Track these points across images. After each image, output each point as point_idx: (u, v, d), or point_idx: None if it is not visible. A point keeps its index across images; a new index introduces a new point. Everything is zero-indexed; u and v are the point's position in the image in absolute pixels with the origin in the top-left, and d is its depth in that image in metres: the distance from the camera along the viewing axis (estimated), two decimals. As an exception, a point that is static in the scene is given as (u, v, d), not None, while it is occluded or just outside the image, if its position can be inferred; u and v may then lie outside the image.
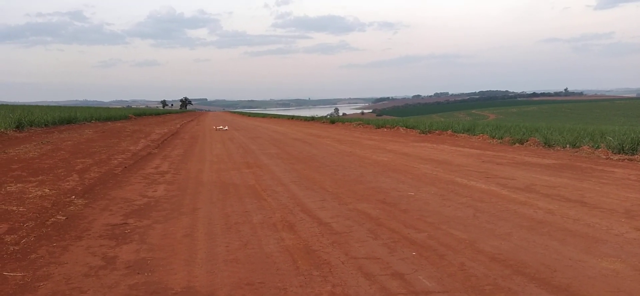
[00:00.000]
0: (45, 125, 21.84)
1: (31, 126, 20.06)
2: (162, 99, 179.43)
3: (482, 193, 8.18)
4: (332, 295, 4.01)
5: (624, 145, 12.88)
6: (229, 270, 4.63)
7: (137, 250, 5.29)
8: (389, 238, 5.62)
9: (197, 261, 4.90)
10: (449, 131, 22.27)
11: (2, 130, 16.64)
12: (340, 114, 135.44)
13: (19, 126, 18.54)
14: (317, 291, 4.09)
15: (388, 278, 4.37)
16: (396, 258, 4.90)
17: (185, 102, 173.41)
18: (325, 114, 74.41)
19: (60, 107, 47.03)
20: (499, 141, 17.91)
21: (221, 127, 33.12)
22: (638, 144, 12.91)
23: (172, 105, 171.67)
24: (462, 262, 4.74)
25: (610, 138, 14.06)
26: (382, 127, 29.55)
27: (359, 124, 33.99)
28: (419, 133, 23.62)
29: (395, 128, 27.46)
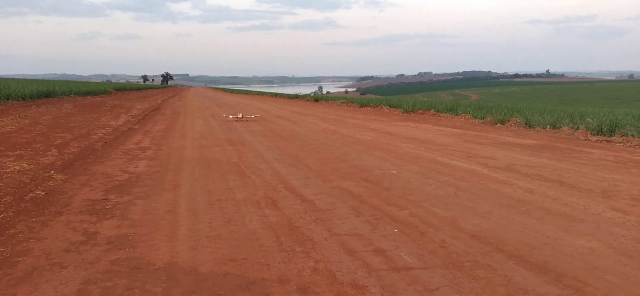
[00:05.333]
0: (23, 99, 21.37)
1: (8, 99, 19.62)
2: (143, 74, 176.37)
3: (463, 172, 8.28)
4: (315, 271, 4.04)
5: (602, 127, 13.13)
6: (212, 246, 4.63)
7: (119, 226, 5.25)
8: (372, 215, 5.67)
9: (180, 237, 4.89)
10: (432, 111, 22.41)
11: (-23, 103, 16.23)
12: (324, 92, 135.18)
13: (-5, 99, 18.09)
14: (300, 267, 4.12)
15: (370, 254, 4.42)
16: (378, 235, 4.95)
17: (166, 77, 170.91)
18: (309, 92, 74.11)
19: (37, 80, 46.02)
20: (480, 121, 18.09)
21: (240, 116, 19.46)
22: (616, 126, 13.17)
23: (153, 80, 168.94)
24: (443, 239, 4.81)
25: (590, 120, 14.31)
26: (365, 106, 29.60)
27: (342, 102, 33.98)
28: (402, 112, 23.72)
29: (379, 107, 27.53)
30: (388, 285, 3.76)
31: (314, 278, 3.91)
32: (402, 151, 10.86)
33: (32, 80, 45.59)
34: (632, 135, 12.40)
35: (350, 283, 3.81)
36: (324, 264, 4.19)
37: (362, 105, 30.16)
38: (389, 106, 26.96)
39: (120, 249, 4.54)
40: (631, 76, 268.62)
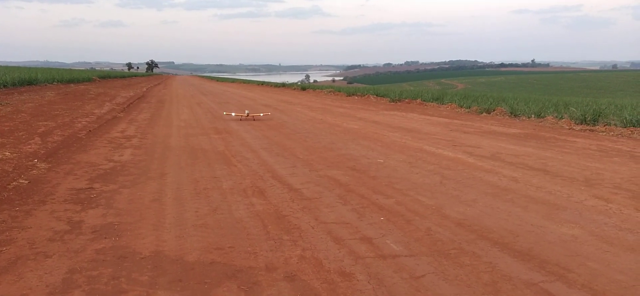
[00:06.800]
0: (4, 86, 20.99)
1: (-11, 86, 19.24)
2: (128, 62, 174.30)
3: (449, 161, 8.34)
4: (302, 259, 4.05)
5: (586, 116, 13.30)
6: (198, 235, 4.62)
7: (104, 215, 5.21)
8: (358, 203, 5.70)
9: (166, 226, 4.86)
10: (419, 100, 22.49)
11: (-43, 90, 15.90)
12: (312, 81, 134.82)
13: (-25, 87, 17.74)
14: (287, 255, 4.13)
15: (357, 242, 4.44)
16: (365, 223, 4.97)
17: (151, 65, 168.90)
18: (296, 81, 73.90)
19: (19, 67, 45.20)
20: (467, 110, 18.21)
21: (246, 113, 15.22)
22: (599, 115, 13.35)
23: (137, 68, 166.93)
24: (429, 227, 4.85)
25: (574, 109, 14.49)
26: (353, 95, 29.60)
27: (330, 91, 33.94)
28: (389, 102, 23.78)
29: (366, 96, 27.56)
30: (375, 273, 3.79)
31: (301, 266, 3.92)
32: (388, 140, 10.90)
33: (13, 67, 44.77)
34: (615, 124, 12.59)
35: (337, 270, 3.83)
36: (311, 252, 4.20)
37: (350, 94, 30.16)
38: (376, 95, 27.00)
39: (105, 238, 4.51)
40: (614, 66, 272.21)
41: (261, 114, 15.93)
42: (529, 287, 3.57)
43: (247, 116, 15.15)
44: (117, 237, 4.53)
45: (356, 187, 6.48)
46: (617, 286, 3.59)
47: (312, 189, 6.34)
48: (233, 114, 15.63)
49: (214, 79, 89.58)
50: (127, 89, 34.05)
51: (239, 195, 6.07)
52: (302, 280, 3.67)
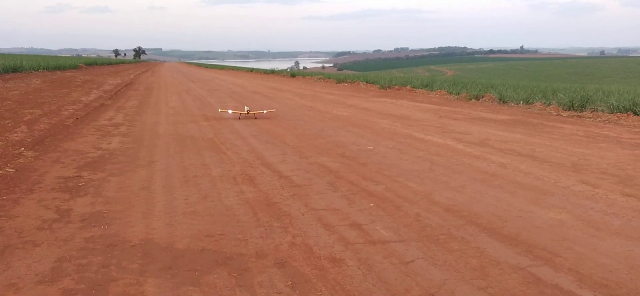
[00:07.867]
0: (-11, 73, 20.65)
1: (-27, 74, 18.93)
2: (115, 49, 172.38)
3: (438, 147, 8.39)
4: (292, 245, 4.06)
5: (573, 102, 13.41)
6: (188, 222, 4.61)
7: (93, 203, 5.17)
8: (348, 190, 5.71)
9: (155, 214, 4.85)
10: (408, 87, 22.52)
11: (-60, 78, 15.63)
12: (301, 68, 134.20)
13: (-41, 74, 17.45)
14: (278, 242, 4.13)
15: (347, 228, 4.46)
16: (355, 210, 4.99)
17: (138, 52, 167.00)
18: (285, 68, 73.53)
19: (4, 54, 44.49)
20: (456, 96, 18.28)
21: (246, 110, 12.38)
22: (587, 101, 13.47)
23: (124, 55, 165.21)
24: (418, 213, 4.88)
25: (562, 95, 14.60)
26: (342, 82, 29.55)
27: (319, 78, 33.85)
28: (379, 88, 23.78)
29: (356, 83, 27.53)
30: (364, 258, 3.81)
31: (291, 252, 3.93)
32: (378, 126, 10.93)
33: (-2, 54, 44.05)
34: (602, 110, 12.72)
35: (327, 256, 3.85)
36: (301, 238, 4.21)
37: (339, 81, 30.11)
38: (366, 82, 26.99)
39: (94, 226, 4.48)
40: (602, 52, 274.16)
41: (265, 111, 13.30)
42: (516, 271, 3.61)
43: (248, 113, 12.35)
44: (107, 225, 4.51)
45: (346, 174, 6.50)
46: (603, 270, 3.65)
47: (302, 177, 6.35)
48: (230, 111, 12.94)
49: (203, 66, 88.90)
50: (115, 76, 33.69)
51: (228, 182, 6.05)
52: (292, 266, 3.68)
